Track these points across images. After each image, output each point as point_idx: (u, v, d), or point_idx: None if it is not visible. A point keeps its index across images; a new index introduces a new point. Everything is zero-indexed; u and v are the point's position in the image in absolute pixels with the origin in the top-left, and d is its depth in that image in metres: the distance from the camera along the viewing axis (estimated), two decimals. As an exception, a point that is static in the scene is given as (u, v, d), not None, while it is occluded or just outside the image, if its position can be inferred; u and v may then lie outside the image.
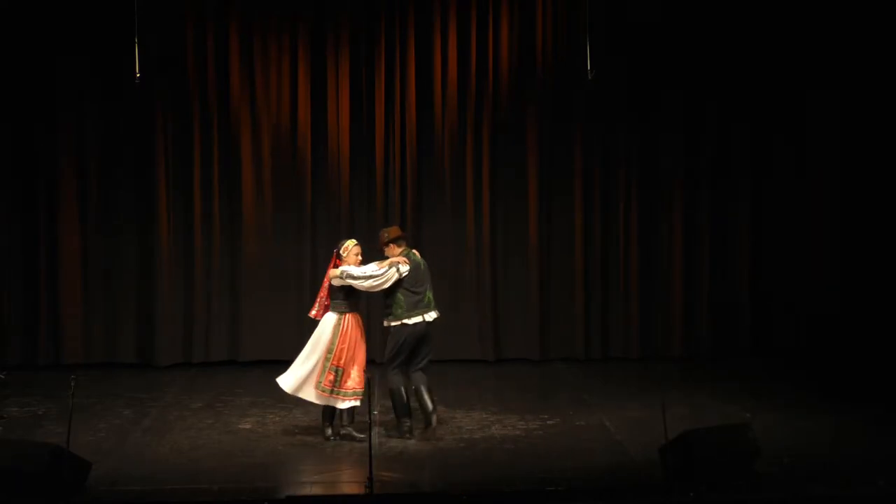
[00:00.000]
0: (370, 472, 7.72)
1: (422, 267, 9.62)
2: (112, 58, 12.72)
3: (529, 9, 13.31)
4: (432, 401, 9.57)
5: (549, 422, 10.23)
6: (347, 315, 9.47)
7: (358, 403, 9.44)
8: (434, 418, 9.53)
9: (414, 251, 9.74)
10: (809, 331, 13.36)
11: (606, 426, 10.05)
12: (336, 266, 9.47)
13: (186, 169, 13.22)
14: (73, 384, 8.20)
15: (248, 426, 10.20)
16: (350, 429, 9.51)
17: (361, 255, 9.56)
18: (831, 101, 13.28)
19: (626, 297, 13.51)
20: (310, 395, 9.53)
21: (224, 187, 13.29)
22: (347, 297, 9.48)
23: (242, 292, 13.30)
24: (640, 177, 13.50)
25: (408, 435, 9.49)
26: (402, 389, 9.52)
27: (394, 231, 9.75)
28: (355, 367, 9.42)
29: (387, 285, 9.45)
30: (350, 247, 9.54)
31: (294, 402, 11.08)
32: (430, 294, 9.61)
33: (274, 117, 13.29)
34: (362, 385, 9.38)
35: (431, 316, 9.58)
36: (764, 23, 13.26)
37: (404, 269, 9.49)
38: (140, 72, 11.61)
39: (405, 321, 9.48)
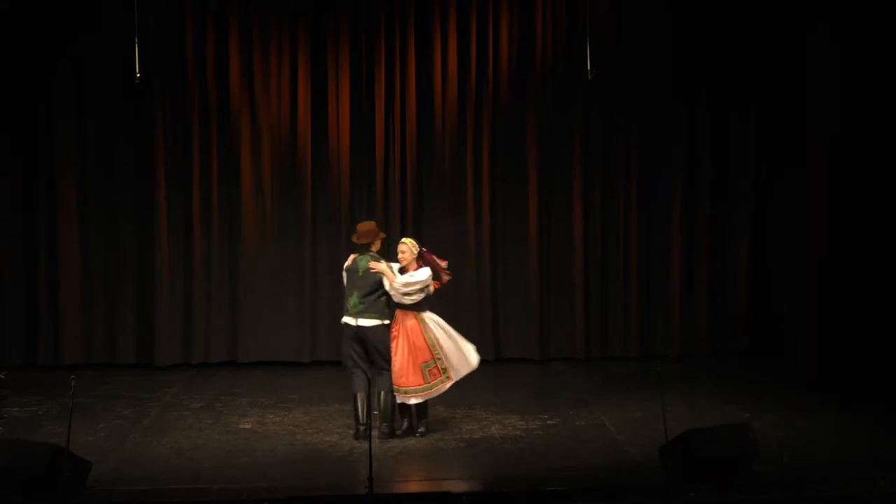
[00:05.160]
0: (370, 472, 7.73)
1: (359, 273, 9.66)
2: (112, 58, 12.71)
3: (529, 9, 13.31)
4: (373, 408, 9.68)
5: (549, 422, 10.24)
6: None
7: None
8: (382, 426, 9.64)
9: (368, 256, 9.72)
10: (809, 330, 13.33)
11: (606, 426, 10.05)
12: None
13: (186, 169, 13.22)
14: (73, 384, 8.21)
15: (248, 426, 10.21)
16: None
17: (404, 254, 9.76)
18: (834, 105, 13.25)
19: (625, 297, 13.51)
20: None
21: (224, 187, 13.29)
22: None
23: (242, 292, 13.29)
24: (640, 176, 13.50)
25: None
26: (358, 397, 9.59)
27: (358, 233, 9.91)
28: None
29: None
30: None
31: (294, 402, 11.12)
32: (354, 300, 9.64)
33: (274, 117, 13.28)
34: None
35: (347, 320, 9.68)
36: (766, 22, 13.25)
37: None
38: (140, 72, 11.60)
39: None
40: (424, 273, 9.57)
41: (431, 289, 9.66)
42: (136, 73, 11.56)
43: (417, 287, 9.53)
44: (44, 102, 13.01)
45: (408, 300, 9.53)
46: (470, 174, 13.43)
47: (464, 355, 9.76)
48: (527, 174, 13.42)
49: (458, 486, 8.17)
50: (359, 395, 9.55)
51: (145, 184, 13.18)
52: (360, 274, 9.63)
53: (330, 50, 13.22)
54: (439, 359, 9.60)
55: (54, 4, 12.87)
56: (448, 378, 9.64)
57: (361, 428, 9.49)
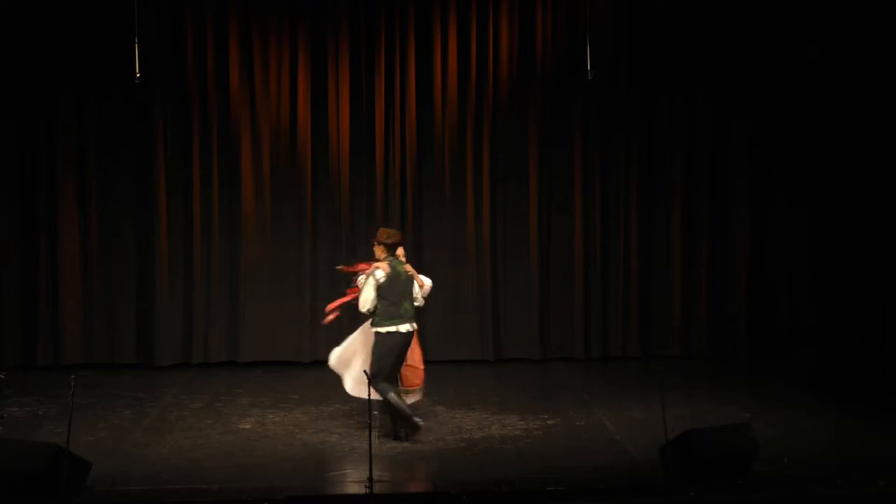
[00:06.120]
0: (370, 472, 7.73)
1: (402, 277, 9.47)
2: (112, 58, 12.70)
3: (529, 9, 13.31)
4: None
5: (549, 422, 10.23)
6: None
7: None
8: (416, 421, 9.48)
9: (401, 260, 9.58)
10: (809, 330, 13.35)
11: (606, 426, 10.05)
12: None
13: (186, 169, 13.22)
14: (73, 384, 8.20)
15: (248, 426, 10.20)
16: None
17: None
18: (831, 103, 13.27)
19: (626, 297, 13.51)
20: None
21: (224, 187, 13.29)
22: None
23: (242, 292, 13.29)
24: (640, 176, 13.50)
25: (405, 439, 9.46)
26: (396, 395, 9.44)
27: (390, 235, 9.64)
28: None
29: (368, 294, 9.39)
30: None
31: (294, 402, 11.12)
32: (407, 305, 9.45)
33: (274, 117, 13.28)
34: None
35: (406, 328, 9.42)
36: (764, 21, 13.25)
37: (380, 274, 9.40)
38: (140, 72, 11.60)
39: (382, 329, 9.39)
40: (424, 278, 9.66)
41: None
42: (135, 74, 11.56)
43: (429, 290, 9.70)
44: (44, 102, 13.00)
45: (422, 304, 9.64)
46: (470, 174, 13.43)
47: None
48: (527, 174, 13.42)
49: (458, 487, 8.16)
50: (391, 393, 9.43)
51: (145, 184, 13.18)
52: (403, 279, 9.49)
53: (330, 50, 13.22)
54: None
55: (54, 5, 12.86)
56: None
57: (417, 420, 9.45)
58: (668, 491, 7.94)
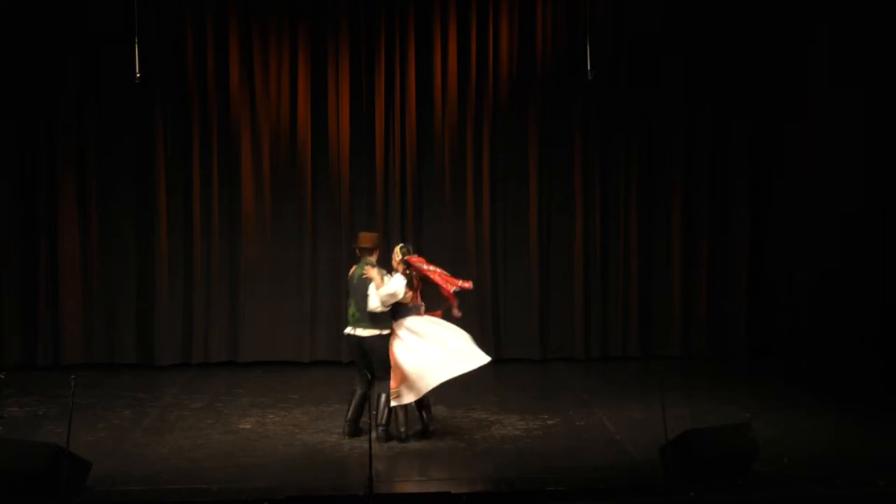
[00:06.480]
0: (370, 472, 7.73)
1: (354, 280, 9.58)
2: (112, 58, 12.71)
3: (529, 9, 13.31)
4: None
5: (549, 422, 10.24)
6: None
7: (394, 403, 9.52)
8: (379, 430, 9.42)
9: (365, 261, 9.55)
10: (809, 331, 13.35)
11: (606, 426, 10.06)
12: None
13: (186, 169, 13.22)
14: (73, 384, 8.20)
15: (248, 426, 10.21)
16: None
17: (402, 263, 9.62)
18: (830, 101, 13.26)
19: (626, 297, 13.51)
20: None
21: (224, 188, 13.29)
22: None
23: (242, 292, 13.29)
24: (640, 176, 13.51)
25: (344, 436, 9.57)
26: (356, 394, 9.58)
27: (358, 239, 9.81)
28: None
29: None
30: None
31: (294, 402, 11.12)
32: (352, 309, 9.55)
33: (274, 117, 13.28)
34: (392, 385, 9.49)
35: (347, 331, 9.60)
36: (763, 21, 13.25)
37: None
38: (140, 72, 11.60)
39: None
40: (396, 282, 9.39)
41: (409, 297, 9.50)
42: (136, 74, 11.56)
43: (388, 295, 9.35)
44: (44, 102, 13.00)
45: (380, 308, 9.38)
46: (470, 174, 13.43)
47: (455, 354, 9.52)
48: (527, 174, 13.43)
49: (458, 486, 8.16)
50: (357, 392, 9.56)
51: (145, 184, 13.18)
52: (355, 282, 9.56)
53: (330, 50, 13.23)
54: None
55: (54, 5, 12.86)
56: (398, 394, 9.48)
57: (347, 425, 9.57)
58: (668, 491, 7.95)
